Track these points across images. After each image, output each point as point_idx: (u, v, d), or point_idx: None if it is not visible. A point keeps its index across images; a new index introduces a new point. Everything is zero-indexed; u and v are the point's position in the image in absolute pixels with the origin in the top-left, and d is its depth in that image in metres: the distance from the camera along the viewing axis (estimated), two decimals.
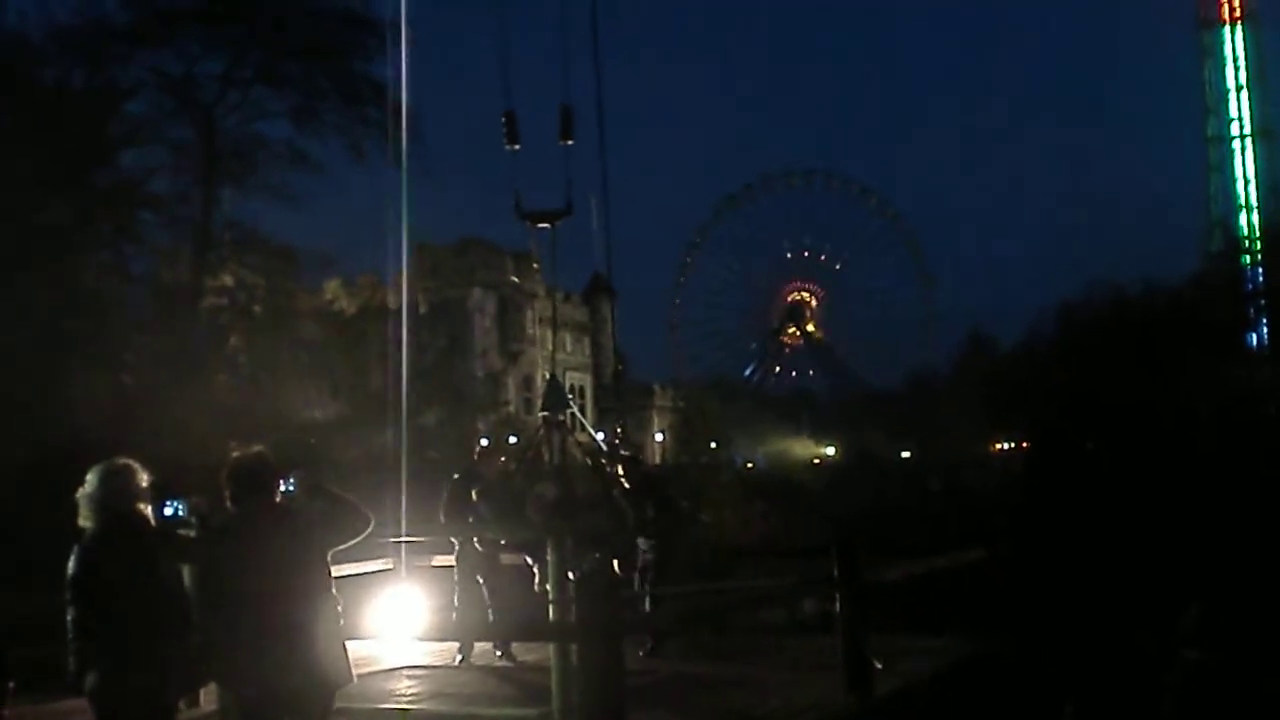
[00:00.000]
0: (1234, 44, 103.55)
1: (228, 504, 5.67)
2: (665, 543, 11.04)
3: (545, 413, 9.99)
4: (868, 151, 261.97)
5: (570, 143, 11.05)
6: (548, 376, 13.25)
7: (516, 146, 11.01)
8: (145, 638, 5.43)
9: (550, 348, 59.54)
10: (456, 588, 11.09)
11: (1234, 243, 70.76)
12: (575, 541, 8.91)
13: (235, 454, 5.80)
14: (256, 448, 5.88)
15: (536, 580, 11.00)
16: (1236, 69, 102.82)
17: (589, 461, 10.24)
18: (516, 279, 75.72)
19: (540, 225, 11.21)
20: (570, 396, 15.10)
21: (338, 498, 5.80)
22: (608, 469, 10.98)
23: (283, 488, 5.83)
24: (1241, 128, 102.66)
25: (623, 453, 11.17)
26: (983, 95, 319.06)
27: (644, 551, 10.82)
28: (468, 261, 74.77)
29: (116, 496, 5.59)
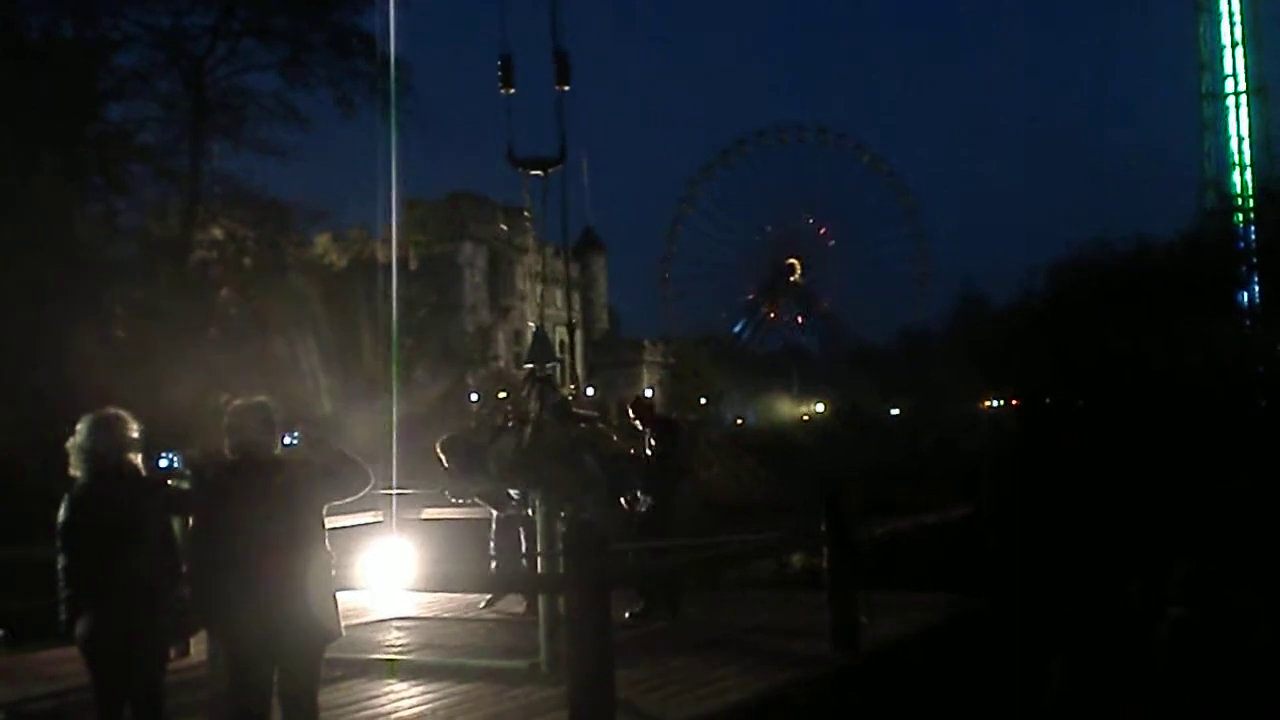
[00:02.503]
0: None
1: (226, 453, 5.67)
2: (663, 499, 10.77)
3: (530, 365, 9.95)
4: (862, 109, 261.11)
5: (567, 89, 10.92)
6: (534, 328, 13.14)
7: (512, 90, 10.88)
8: (135, 586, 5.46)
9: (540, 302, 59.40)
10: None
11: (1227, 201, 70.52)
12: (541, 495, 8.96)
13: (238, 403, 5.79)
14: (259, 398, 5.88)
15: (493, 531, 11.10)
16: (1232, 25, 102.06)
17: (560, 417, 10.23)
18: (506, 228, 75.28)
19: (533, 173, 11.12)
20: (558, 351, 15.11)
21: (339, 454, 5.81)
22: (588, 426, 10.96)
23: (285, 440, 5.84)
24: (1236, 84, 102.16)
25: (580, 411, 11.07)
26: (976, 52, 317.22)
27: (639, 507, 10.73)
28: (458, 216, 74.47)
29: (106, 446, 5.60)
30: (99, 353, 22.66)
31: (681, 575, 10.96)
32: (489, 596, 11.23)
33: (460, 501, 11.41)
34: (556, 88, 10.76)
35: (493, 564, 11.09)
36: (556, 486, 8.85)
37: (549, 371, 9.80)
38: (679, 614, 10.41)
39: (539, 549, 8.87)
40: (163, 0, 29.46)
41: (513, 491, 10.47)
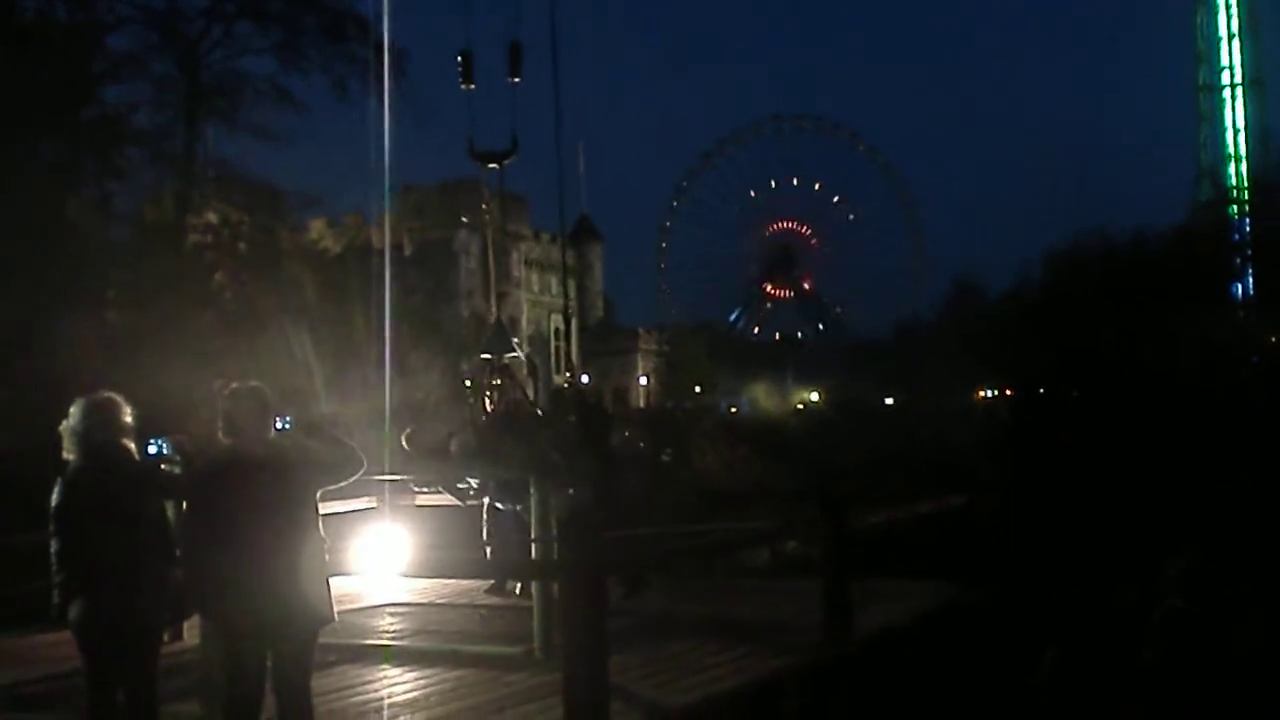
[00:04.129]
0: None
1: (220, 437, 5.67)
2: (601, 488, 10.23)
3: (487, 355, 10.00)
4: (857, 99, 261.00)
5: (518, 80, 11.09)
6: (494, 317, 13.24)
7: (471, 86, 11.04)
8: (128, 569, 5.45)
9: (518, 288, 59.48)
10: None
11: (1222, 192, 70.59)
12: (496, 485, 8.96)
13: (233, 386, 5.78)
14: (253, 382, 5.88)
15: (485, 517, 11.03)
16: (1229, 16, 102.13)
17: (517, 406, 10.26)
18: (485, 207, 75.35)
19: (490, 165, 11.29)
20: (517, 340, 15.14)
21: (333, 438, 5.82)
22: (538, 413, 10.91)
23: (278, 425, 5.84)
24: (1232, 76, 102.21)
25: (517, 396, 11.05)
26: (972, 42, 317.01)
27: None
28: (453, 202, 74.37)
29: (100, 429, 5.60)
30: (92, 337, 22.61)
31: (667, 560, 10.92)
32: (490, 583, 11.20)
33: (441, 490, 11.34)
34: (509, 80, 10.92)
35: (487, 550, 11.08)
36: (510, 474, 8.84)
37: (506, 361, 9.85)
38: (640, 594, 10.40)
39: (533, 535, 8.88)
40: None
41: (471, 480, 10.45)
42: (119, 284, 29.13)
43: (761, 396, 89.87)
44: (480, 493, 10.51)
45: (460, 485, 10.69)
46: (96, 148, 27.86)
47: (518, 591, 10.59)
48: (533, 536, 8.96)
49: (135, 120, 29.68)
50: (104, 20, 28.86)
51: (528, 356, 10.06)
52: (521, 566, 9.67)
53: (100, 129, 28.15)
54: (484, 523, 11.21)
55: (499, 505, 10.53)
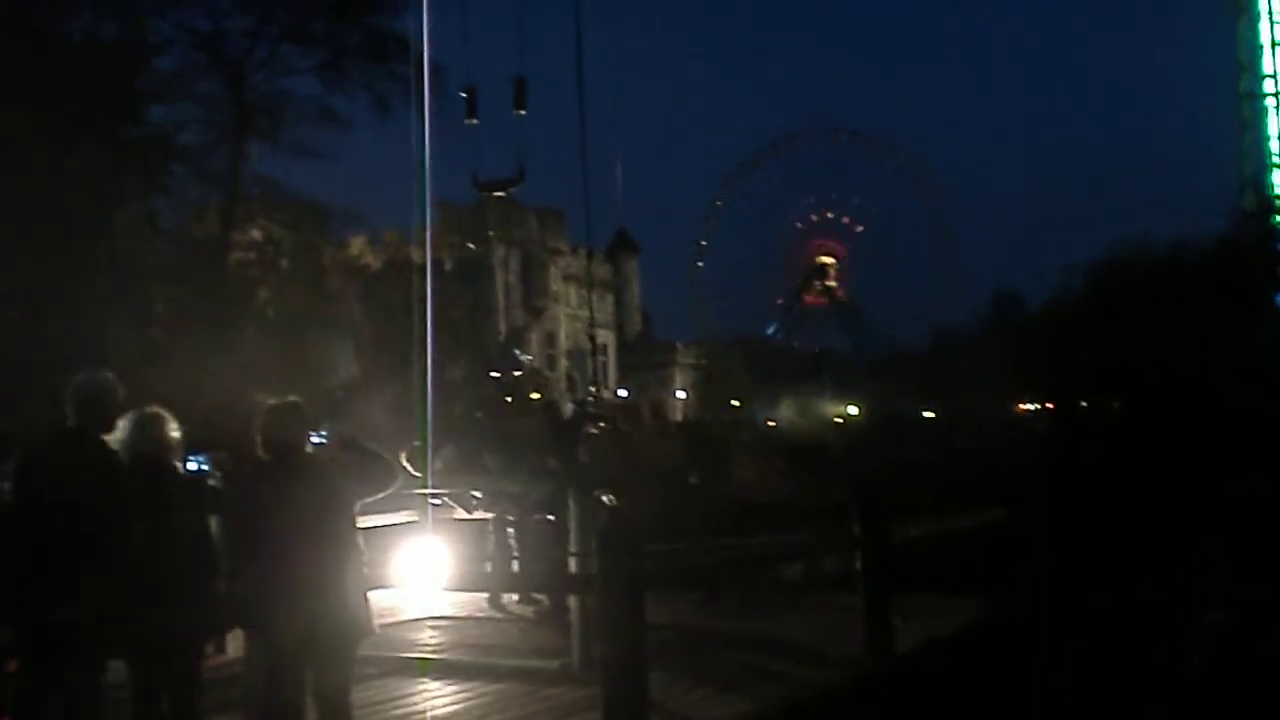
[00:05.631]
0: None
1: (259, 452, 5.74)
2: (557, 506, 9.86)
3: (496, 374, 10.11)
4: (896, 109, 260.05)
5: (523, 113, 11.24)
6: (501, 339, 13.43)
7: (475, 121, 11.22)
8: (166, 582, 5.52)
9: (555, 303, 59.52)
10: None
11: (1265, 201, 69.68)
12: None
13: (271, 402, 5.86)
14: (291, 398, 5.96)
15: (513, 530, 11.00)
16: (1271, 25, 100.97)
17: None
18: (538, 235, 75.52)
19: (496, 194, 11.46)
20: (530, 357, 15.28)
21: (368, 451, 5.88)
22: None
23: (314, 439, 5.91)
24: (1276, 85, 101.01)
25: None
26: (1012, 50, 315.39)
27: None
28: (491, 218, 74.69)
29: (147, 443, 5.68)
30: (138, 353, 22.88)
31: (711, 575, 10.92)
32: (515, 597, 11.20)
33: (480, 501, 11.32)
34: (515, 112, 11.06)
35: (515, 564, 11.08)
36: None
37: (514, 377, 9.92)
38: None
39: (576, 547, 8.90)
40: (203, 3, 29.82)
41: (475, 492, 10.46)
42: (164, 299, 29.50)
43: (799, 409, 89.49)
44: (500, 504, 10.52)
45: (474, 495, 10.70)
46: (143, 165, 28.25)
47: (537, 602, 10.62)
48: (571, 550, 8.99)
49: (181, 139, 30.18)
50: (150, 40, 29.31)
51: (566, 371, 10.10)
52: (561, 579, 9.68)
53: (147, 147, 28.57)
54: (497, 536, 11.16)
55: (510, 517, 10.56)
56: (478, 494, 10.50)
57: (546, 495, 9.99)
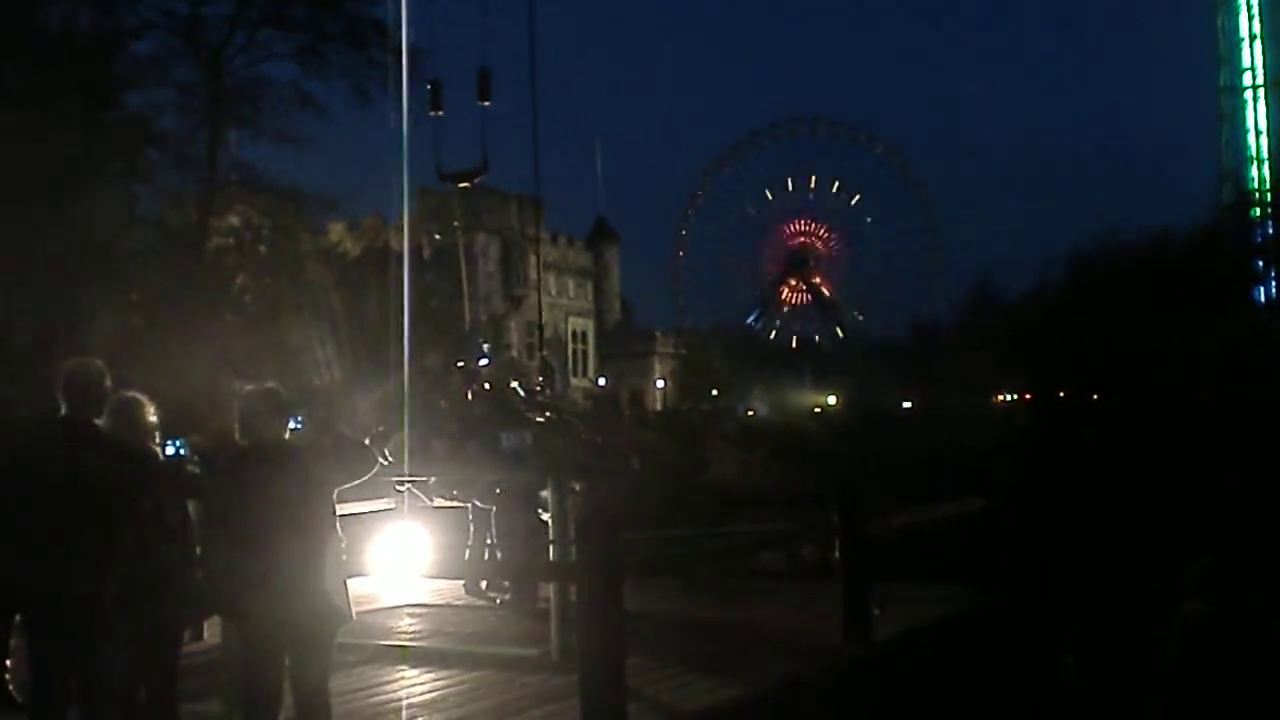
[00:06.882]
0: None
1: (237, 437, 5.71)
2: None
3: (460, 364, 10.14)
4: (875, 100, 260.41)
5: (488, 104, 11.29)
6: (468, 326, 13.56)
7: (440, 113, 11.25)
8: (146, 565, 5.50)
9: (535, 291, 59.50)
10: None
11: (1244, 194, 70.15)
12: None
13: (248, 388, 5.84)
14: (269, 383, 5.94)
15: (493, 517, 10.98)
16: (1250, 18, 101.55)
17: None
18: (517, 223, 75.30)
19: (462, 185, 11.46)
20: (485, 344, 15.30)
21: (345, 437, 5.87)
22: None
23: (291, 424, 5.88)
24: (1254, 78, 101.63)
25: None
26: (992, 42, 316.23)
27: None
28: (471, 206, 74.40)
29: (125, 429, 5.65)
30: (116, 339, 22.75)
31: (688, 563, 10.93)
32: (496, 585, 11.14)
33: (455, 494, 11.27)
34: (479, 103, 11.09)
35: (496, 552, 11.04)
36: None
37: (475, 366, 9.94)
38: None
39: (552, 537, 8.89)
40: None
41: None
42: (142, 286, 29.34)
43: (778, 400, 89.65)
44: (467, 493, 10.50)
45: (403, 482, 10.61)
46: (120, 152, 28.07)
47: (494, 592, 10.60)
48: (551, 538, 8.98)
49: (159, 125, 29.97)
50: (127, 26, 29.10)
51: (544, 358, 10.14)
52: (538, 568, 9.67)
53: (124, 133, 28.38)
54: (476, 523, 11.11)
55: (478, 503, 10.54)
56: (426, 480, 10.42)
57: (522, 484, 9.98)
